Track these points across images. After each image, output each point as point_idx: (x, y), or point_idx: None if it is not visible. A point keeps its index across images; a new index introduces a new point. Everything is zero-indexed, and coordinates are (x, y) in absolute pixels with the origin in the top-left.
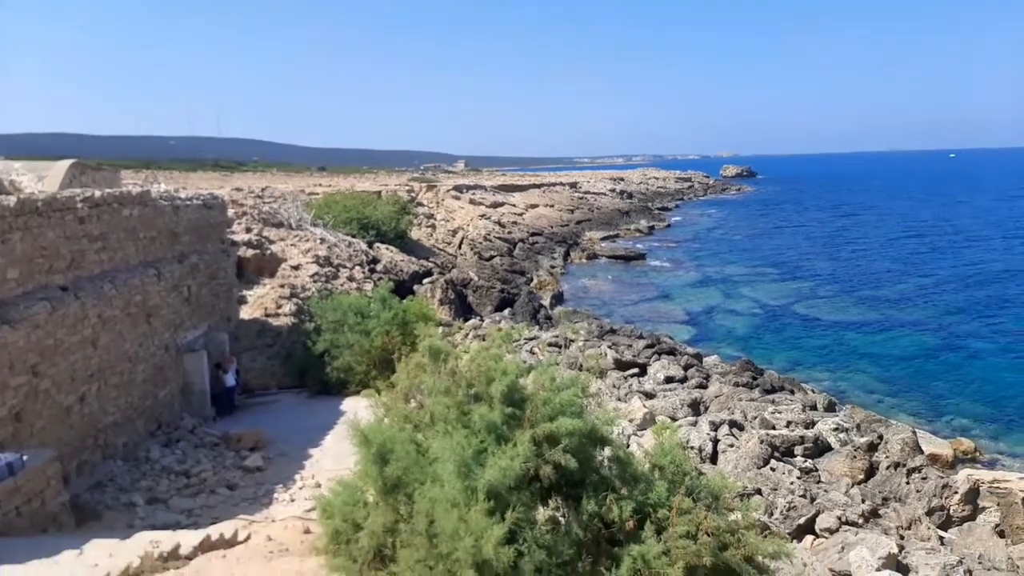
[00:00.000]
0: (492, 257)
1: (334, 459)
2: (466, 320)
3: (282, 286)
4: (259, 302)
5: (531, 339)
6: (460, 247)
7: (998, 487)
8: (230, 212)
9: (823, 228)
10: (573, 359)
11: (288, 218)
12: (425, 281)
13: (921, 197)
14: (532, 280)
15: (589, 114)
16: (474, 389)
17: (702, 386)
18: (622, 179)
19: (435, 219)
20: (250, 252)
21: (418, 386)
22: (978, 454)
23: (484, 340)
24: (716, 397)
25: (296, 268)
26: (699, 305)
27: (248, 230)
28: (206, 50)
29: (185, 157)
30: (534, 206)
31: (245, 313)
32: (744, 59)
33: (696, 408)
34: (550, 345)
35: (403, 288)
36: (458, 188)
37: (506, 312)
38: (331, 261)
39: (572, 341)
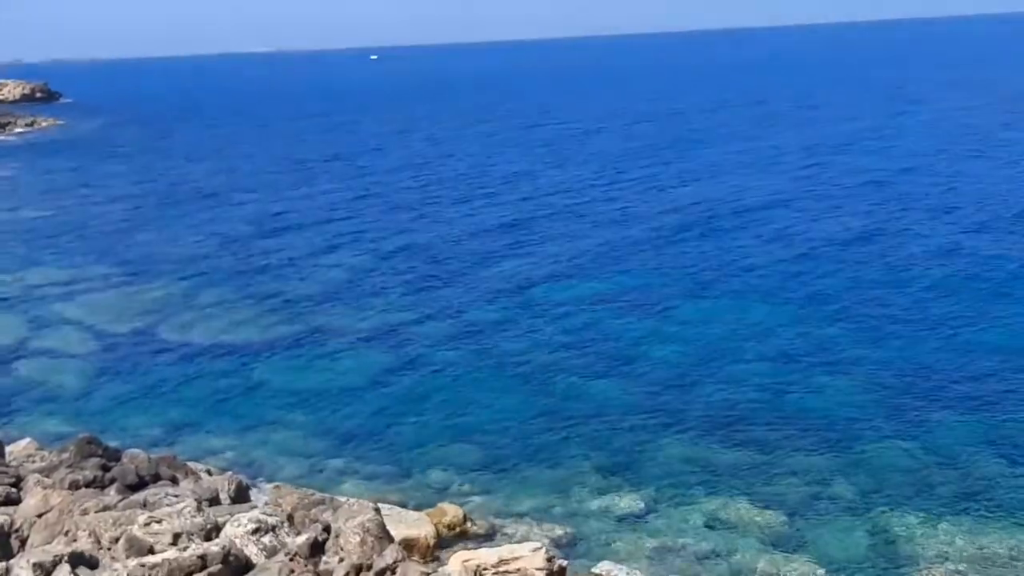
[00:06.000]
0: None
1: None
2: None
3: None
4: None
5: None
6: None
7: (507, 569)
8: None
9: (187, 181)
10: None
11: None
12: None
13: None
14: None
15: None
16: None
17: (11, 500)
18: None
19: None
20: None
21: None
22: (470, 524)
23: None
24: (41, 516)
25: None
26: None
27: None
28: None
29: None
30: None
31: None
32: None
33: (5, 544)
34: None
35: None
36: None
37: None
38: None
39: None
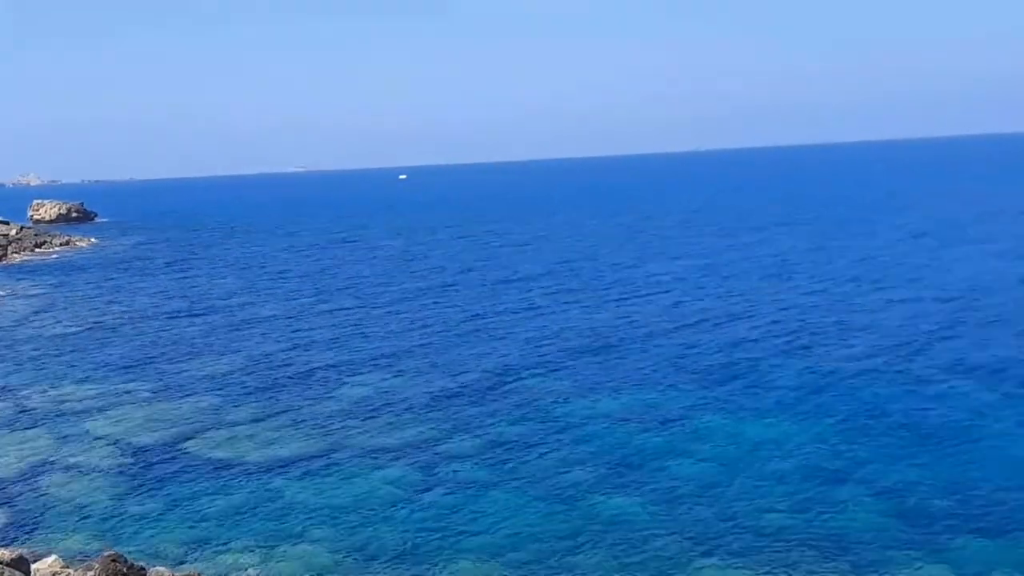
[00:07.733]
0: None
1: None
2: None
3: None
4: None
5: None
6: None
7: None
8: None
9: (214, 298)
10: None
11: None
12: None
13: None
14: None
15: None
16: None
17: None
18: None
19: None
20: None
21: None
22: None
23: None
24: None
25: None
26: (12, 464)
27: None
28: None
29: None
30: None
31: None
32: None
33: None
34: None
35: None
36: None
37: None
38: None
39: None
